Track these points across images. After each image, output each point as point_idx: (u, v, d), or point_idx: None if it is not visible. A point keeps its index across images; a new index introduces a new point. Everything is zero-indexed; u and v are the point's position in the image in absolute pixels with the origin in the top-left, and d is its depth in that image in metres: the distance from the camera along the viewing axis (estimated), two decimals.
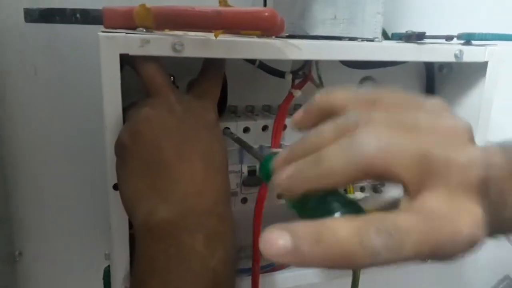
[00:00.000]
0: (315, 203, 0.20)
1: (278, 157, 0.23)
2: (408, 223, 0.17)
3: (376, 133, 0.18)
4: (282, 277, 0.43)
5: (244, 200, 0.42)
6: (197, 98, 0.32)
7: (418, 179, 0.18)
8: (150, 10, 0.30)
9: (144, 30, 0.31)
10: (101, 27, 0.32)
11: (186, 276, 0.26)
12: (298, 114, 0.24)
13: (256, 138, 0.41)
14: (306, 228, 0.17)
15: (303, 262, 0.17)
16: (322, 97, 0.23)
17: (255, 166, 0.41)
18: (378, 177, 0.18)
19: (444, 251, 0.17)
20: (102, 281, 0.39)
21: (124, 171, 0.29)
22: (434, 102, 0.21)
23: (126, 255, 0.34)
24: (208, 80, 0.34)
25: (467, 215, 0.18)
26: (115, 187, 0.32)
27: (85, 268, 0.49)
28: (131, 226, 0.33)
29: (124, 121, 0.31)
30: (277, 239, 0.17)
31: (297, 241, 0.17)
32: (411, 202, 0.18)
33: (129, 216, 0.30)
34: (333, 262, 0.17)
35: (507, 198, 0.22)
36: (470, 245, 0.18)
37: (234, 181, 0.41)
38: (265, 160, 0.26)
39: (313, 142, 0.21)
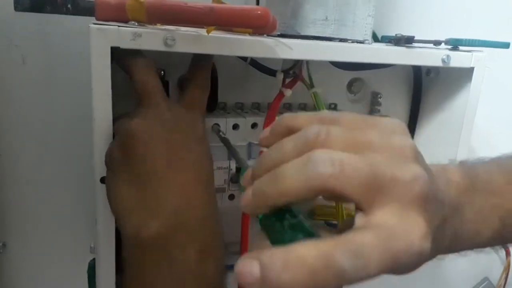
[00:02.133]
0: (277, 224, 0.21)
1: (246, 175, 0.24)
2: (370, 242, 0.18)
3: (330, 154, 0.19)
4: None
5: (232, 197, 0.42)
6: (186, 109, 0.32)
7: (369, 197, 0.19)
8: (143, 4, 0.30)
9: (136, 24, 0.31)
10: (92, 19, 0.32)
11: None
12: (265, 133, 0.25)
13: (245, 136, 0.41)
14: (273, 256, 0.18)
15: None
16: (287, 118, 0.24)
17: None
18: (332, 196, 0.20)
19: (401, 264, 0.19)
20: (86, 274, 0.38)
21: (114, 183, 0.29)
22: (388, 121, 0.22)
23: (112, 249, 0.34)
24: (195, 89, 0.34)
25: (417, 228, 0.19)
26: (102, 180, 0.32)
27: (70, 261, 0.49)
28: None
29: (114, 132, 0.31)
30: (247, 269, 0.18)
31: (264, 270, 0.18)
32: (365, 218, 0.20)
33: (118, 227, 0.30)
34: (302, 285, 0.17)
35: (464, 211, 0.24)
36: (420, 257, 0.19)
37: (222, 178, 0.41)
38: (241, 173, 0.27)
39: (273, 159, 0.22)
